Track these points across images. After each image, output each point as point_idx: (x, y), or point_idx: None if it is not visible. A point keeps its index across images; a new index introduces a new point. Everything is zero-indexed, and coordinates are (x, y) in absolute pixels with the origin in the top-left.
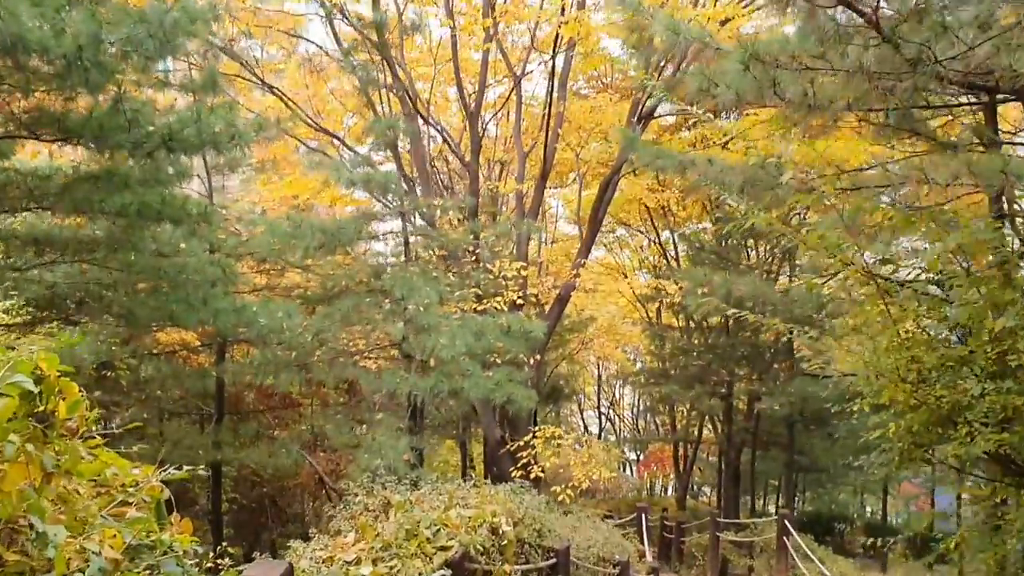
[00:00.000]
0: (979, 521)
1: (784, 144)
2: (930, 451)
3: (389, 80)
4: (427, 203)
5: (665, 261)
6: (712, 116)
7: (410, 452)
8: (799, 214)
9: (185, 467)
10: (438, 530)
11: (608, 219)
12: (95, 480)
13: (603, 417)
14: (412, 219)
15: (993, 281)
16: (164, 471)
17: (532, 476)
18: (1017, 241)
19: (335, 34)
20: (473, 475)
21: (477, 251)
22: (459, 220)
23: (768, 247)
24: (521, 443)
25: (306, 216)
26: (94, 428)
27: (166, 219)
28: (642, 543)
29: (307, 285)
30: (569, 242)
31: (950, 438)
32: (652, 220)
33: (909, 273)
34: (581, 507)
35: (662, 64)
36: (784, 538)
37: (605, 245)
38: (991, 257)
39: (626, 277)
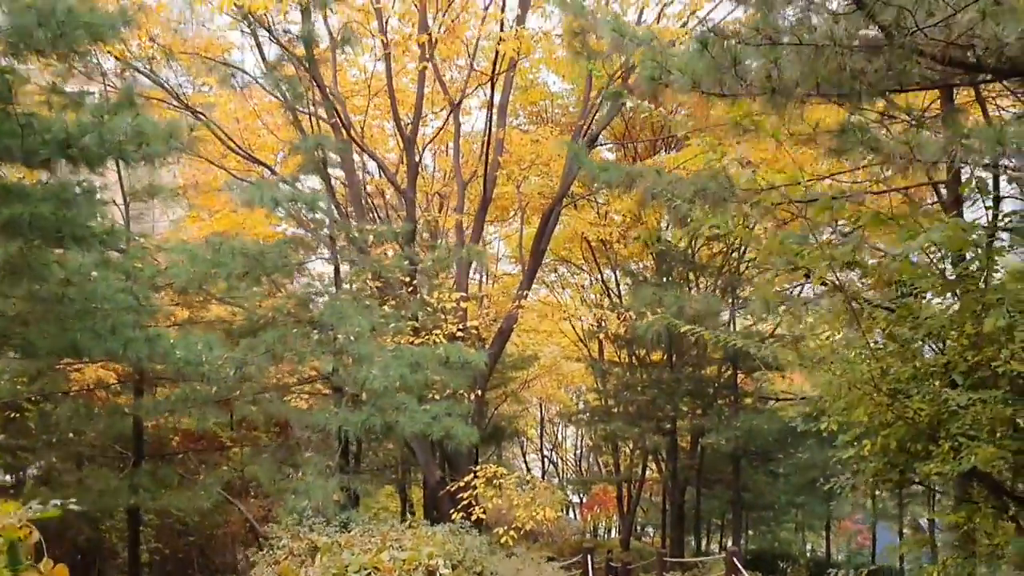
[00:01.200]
0: (953, 546)
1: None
2: (907, 471)
3: (318, 98)
4: (359, 228)
5: (608, 298)
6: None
7: (340, 492)
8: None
9: (99, 514)
10: (368, 574)
11: (549, 257)
12: None
13: (546, 459)
14: (347, 249)
15: (972, 282)
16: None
17: (474, 518)
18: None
19: (260, 48)
20: (411, 519)
21: (414, 281)
22: (395, 249)
23: (711, 281)
24: (462, 483)
25: (226, 240)
26: None
27: (67, 238)
28: None
29: (232, 318)
30: (510, 280)
31: (930, 455)
32: (594, 257)
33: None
34: (525, 549)
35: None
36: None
37: (547, 284)
38: (968, 255)
39: (567, 316)
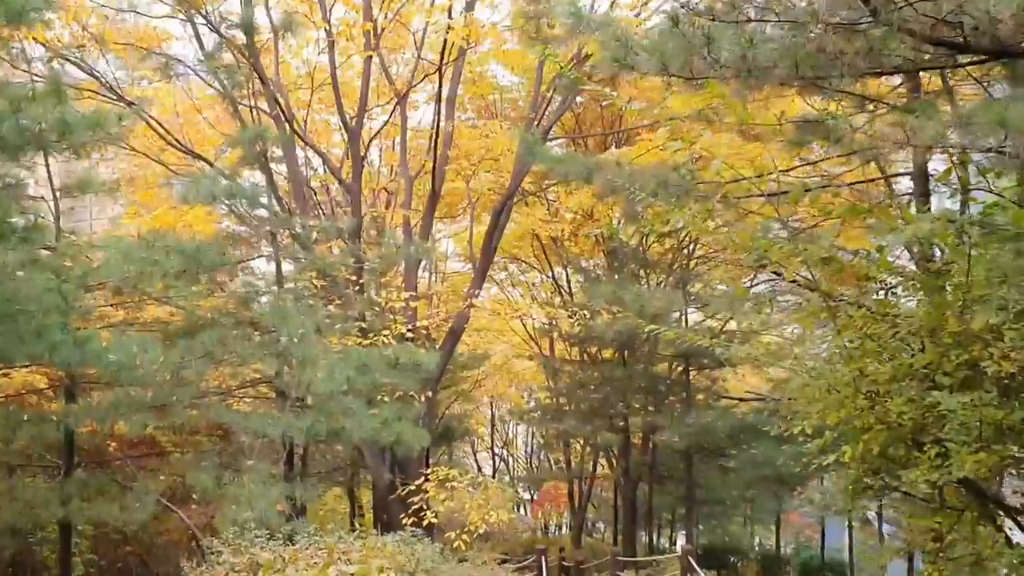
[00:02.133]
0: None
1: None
2: (889, 477)
3: (260, 90)
4: (303, 223)
5: (559, 296)
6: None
7: (285, 502)
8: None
9: (30, 527)
10: None
11: (500, 255)
12: None
13: (497, 457)
14: (290, 247)
15: (957, 276)
16: None
17: (425, 523)
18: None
19: (198, 38)
20: (359, 524)
21: (361, 280)
22: (340, 247)
23: (662, 277)
24: (412, 487)
25: (160, 237)
26: None
27: None
28: None
29: (171, 319)
30: (460, 279)
31: (915, 462)
32: (545, 255)
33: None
34: (477, 551)
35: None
36: (688, 575)
37: (497, 283)
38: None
39: (519, 315)
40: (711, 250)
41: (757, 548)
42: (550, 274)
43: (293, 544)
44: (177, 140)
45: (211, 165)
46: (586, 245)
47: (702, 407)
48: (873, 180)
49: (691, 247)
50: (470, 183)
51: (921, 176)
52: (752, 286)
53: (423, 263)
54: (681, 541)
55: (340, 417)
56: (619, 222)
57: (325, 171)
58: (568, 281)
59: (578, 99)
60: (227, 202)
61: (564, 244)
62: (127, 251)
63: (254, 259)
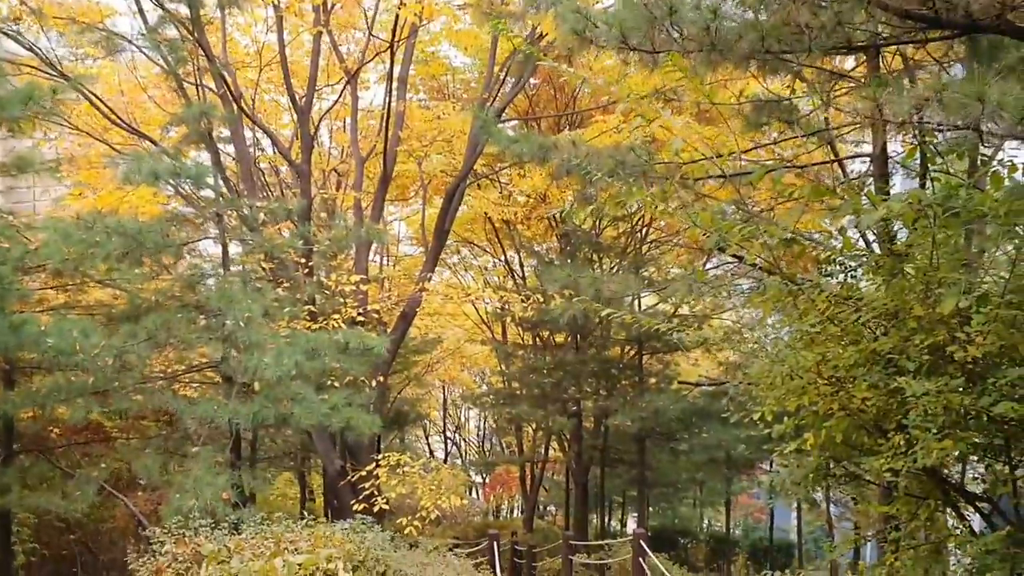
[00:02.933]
0: (887, 540)
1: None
2: (851, 465)
3: (206, 66)
4: (250, 204)
5: (512, 280)
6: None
7: (231, 490)
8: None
9: None
10: None
11: (452, 239)
12: None
13: (449, 442)
14: (237, 229)
15: (922, 259)
16: None
17: (376, 509)
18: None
19: (142, 13)
20: (306, 512)
21: (310, 263)
22: (289, 229)
23: (615, 262)
24: (363, 473)
25: (100, 218)
26: None
27: None
28: (495, 574)
29: (114, 302)
30: (412, 262)
31: (878, 449)
32: (498, 238)
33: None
34: (429, 536)
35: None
36: (640, 559)
37: (450, 267)
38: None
39: (471, 298)
40: (664, 234)
41: (706, 530)
42: (503, 258)
43: (239, 533)
44: (121, 119)
45: (154, 143)
46: (539, 229)
47: (654, 391)
48: (832, 161)
49: (644, 231)
50: (422, 165)
51: (881, 157)
52: (706, 270)
53: (374, 246)
54: (632, 524)
55: (288, 403)
56: (572, 205)
57: (274, 152)
58: (521, 265)
59: (532, 81)
60: (171, 182)
61: (517, 228)
62: (67, 232)
63: (200, 241)
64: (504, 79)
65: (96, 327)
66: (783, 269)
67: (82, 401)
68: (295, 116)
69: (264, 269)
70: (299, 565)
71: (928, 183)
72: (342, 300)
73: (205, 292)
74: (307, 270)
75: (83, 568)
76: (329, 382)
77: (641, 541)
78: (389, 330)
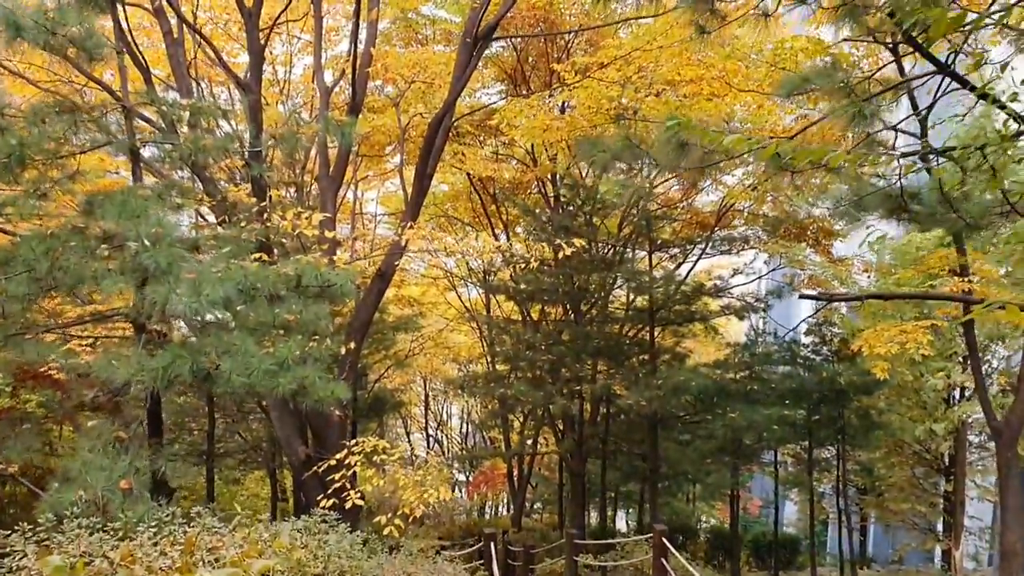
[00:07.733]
0: None
1: None
2: None
3: None
4: (164, 101)
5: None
6: None
7: (134, 476)
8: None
9: None
10: None
11: (432, 219)
12: None
13: (431, 438)
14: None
15: None
16: None
17: (348, 505)
18: None
19: None
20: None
21: (262, 203)
22: (235, 169)
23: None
24: (333, 462)
25: None
26: None
27: None
28: None
29: None
30: (389, 221)
31: None
32: (485, 211)
33: None
34: (412, 537)
35: None
36: (663, 559)
37: (430, 254)
38: None
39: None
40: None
41: (703, 525)
42: (488, 224)
43: (132, 539)
44: None
45: None
46: (529, 201)
47: (668, 368)
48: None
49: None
50: (399, 105)
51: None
52: (710, 236)
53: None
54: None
55: (214, 356)
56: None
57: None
58: (508, 238)
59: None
60: (41, 44)
61: (507, 196)
62: None
63: (100, 147)
64: None
65: None
66: None
67: None
68: (242, 22)
69: (199, 200)
70: None
71: None
72: (302, 245)
73: (100, 206)
74: (257, 209)
75: None
76: (278, 331)
77: (664, 539)
78: (362, 289)
